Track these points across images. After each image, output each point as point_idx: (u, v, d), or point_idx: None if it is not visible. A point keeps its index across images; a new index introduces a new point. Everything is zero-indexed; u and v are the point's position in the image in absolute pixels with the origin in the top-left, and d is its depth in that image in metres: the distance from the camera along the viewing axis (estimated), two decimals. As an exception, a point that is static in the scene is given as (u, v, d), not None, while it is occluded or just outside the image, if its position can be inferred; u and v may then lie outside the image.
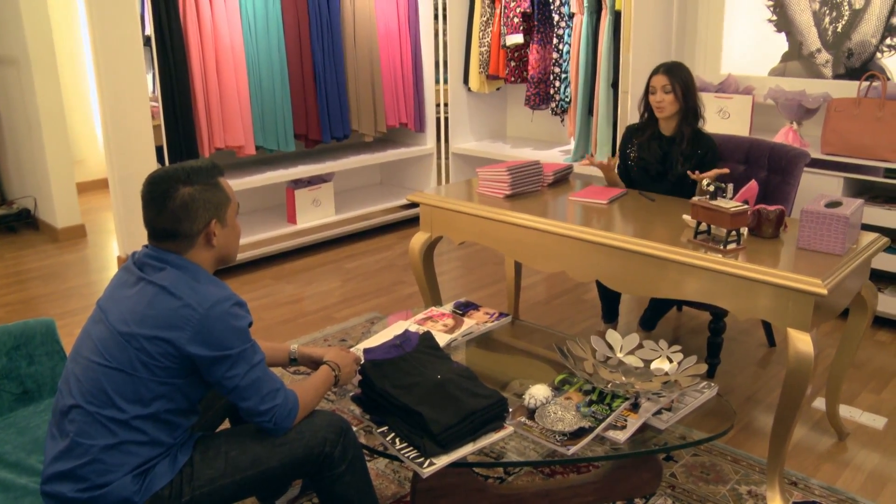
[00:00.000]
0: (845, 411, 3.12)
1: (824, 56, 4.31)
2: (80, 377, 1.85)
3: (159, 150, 4.48)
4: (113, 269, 5.06)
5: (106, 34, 4.44)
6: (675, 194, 3.32)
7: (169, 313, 1.81)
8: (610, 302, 3.83)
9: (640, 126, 3.50)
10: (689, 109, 3.32)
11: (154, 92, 4.46)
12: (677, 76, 3.28)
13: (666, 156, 3.39)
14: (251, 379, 1.87)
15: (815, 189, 3.83)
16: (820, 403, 3.15)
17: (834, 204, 2.56)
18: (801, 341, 2.34)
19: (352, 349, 2.60)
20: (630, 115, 4.52)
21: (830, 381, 2.93)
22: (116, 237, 5.07)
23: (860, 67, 4.18)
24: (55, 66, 5.52)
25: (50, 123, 5.55)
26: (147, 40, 4.36)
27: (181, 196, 1.86)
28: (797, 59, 4.43)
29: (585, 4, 4.80)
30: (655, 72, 3.34)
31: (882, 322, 3.92)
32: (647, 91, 3.36)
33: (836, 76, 4.29)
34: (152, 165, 4.36)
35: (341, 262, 5.10)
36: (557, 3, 5.00)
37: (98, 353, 1.84)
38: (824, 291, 2.26)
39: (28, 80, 5.48)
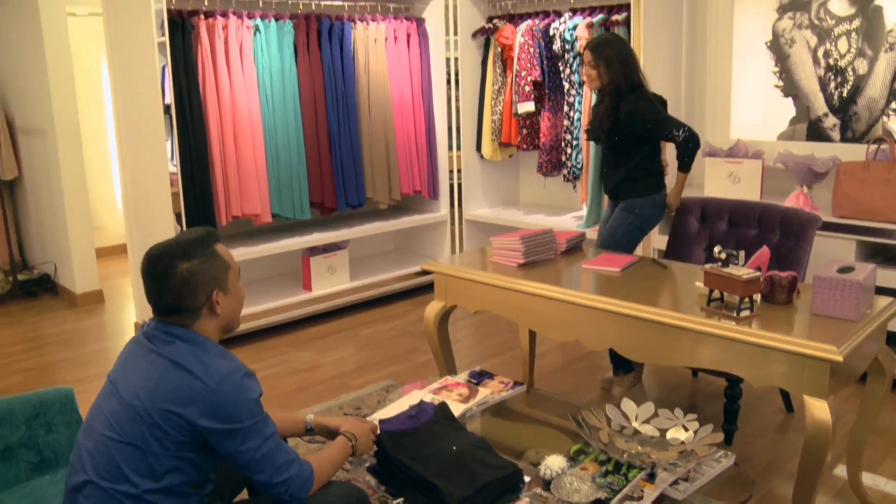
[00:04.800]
0: (869, 479, 3.08)
1: (832, 120, 4.36)
2: (93, 452, 1.86)
3: (178, 216, 4.55)
4: (130, 335, 5.08)
5: (128, 103, 4.57)
6: (609, 153, 3.80)
7: (179, 388, 1.82)
8: (620, 358, 3.86)
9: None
10: (614, 83, 3.66)
11: (173, 159, 4.54)
12: (600, 54, 3.66)
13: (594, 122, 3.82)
14: (264, 452, 1.87)
15: (828, 252, 3.84)
16: (842, 471, 3.11)
17: (846, 269, 2.57)
18: (819, 408, 2.32)
19: (368, 418, 2.60)
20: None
21: (851, 448, 2.90)
22: (134, 303, 5.13)
23: (867, 131, 4.23)
24: (79, 135, 5.68)
25: (72, 191, 5.67)
26: (167, 109, 4.46)
27: (181, 273, 1.88)
28: (805, 123, 4.49)
29: (595, 73, 4.89)
30: (586, 46, 3.75)
31: (901, 386, 3.89)
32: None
33: (844, 140, 4.34)
34: (170, 232, 4.42)
35: (356, 329, 5.11)
36: (567, 71, 5.10)
37: (110, 428, 1.85)
38: (840, 358, 2.25)
39: (53, 150, 5.62)
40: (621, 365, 3.93)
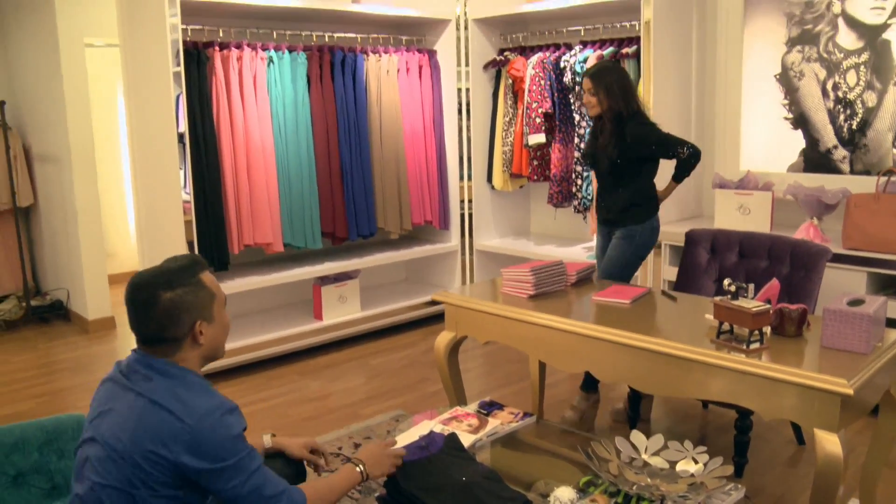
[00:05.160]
0: (880, 513, 3.06)
1: (841, 152, 4.38)
2: (84, 498, 1.84)
3: (190, 244, 4.57)
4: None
5: (143, 132, 4.64)
6: (610, 179, 3.82)
7: (159, 428, 1.78)
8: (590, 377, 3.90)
9: (592, 121, 4.03)
10: (613, 110, 3.73)
11: (186, 188, 4.58)
12: (600, 81, 3.73)
13: (596, 147, 3.87)
14: (251, 487, 1.84)
15: (839, 284, 3.84)
16: (854, 504, 3.09)
17: (857, 302, 2.57)
18: (829, 442, 2.31)
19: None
20: (651, 212, 4.58)
21: (864, 483, 2.88)
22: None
23: (877, 163, 4.24)
24: (94, 163, 5.75)
25: (86, 218, 5.73)
26: (180, 137, 4.49)
27: (164, 303, 1.85)
28: (815, 155, 4.50)
29: (605, 105, 4.93)
30: (585, 73, 3.84)
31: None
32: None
33: (854, 172, 4.35)
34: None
35: (366, 358, 5.12)
36: (578, 103, 5.14)
37: (96, 473, 1.82)
38: (850, 391, 2.25)
39: (68, 177, 5.69)
40: (589, 385, 3.92)
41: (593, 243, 5.14)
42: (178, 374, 1.87)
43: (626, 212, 3.83)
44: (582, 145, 5.15)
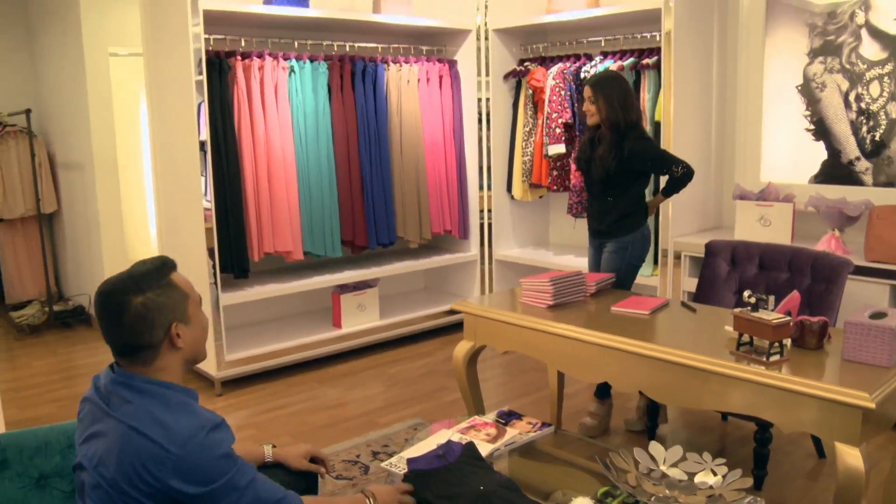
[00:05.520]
0: (902, 529, 3.02)
1: (864, 164, 4.35)
2: None
3: (210, 251, 4.58)
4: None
5: (165, 140, 4.69)
6: (602, 188, 3.84)
7: (143, 457, 1.70)
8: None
9: (588, 127, 3.98)
10: (612, 119, 3.73)
11: (207, 195, 4.61)
12: (600, 90, 3.75)
13: (591, 157, 3.87)
14: (247, 501, 1.79)
15: (861, 296, 3.81)
16: (875, 520, 3.06)
17: (879, 315, 2.55)
18: (851, 456, 2.30)
19: (395, 456, 2.61)
20: (672, 222, 4.57)
21: (887, 499, 2.85)
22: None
23: (901, 176, 4.21)
24: (116, 170, 5.82)
25: (108, 224, 5.80)
26: (202, 145, 4.52)
27: (134, 308, 1.75)
28: (837, 166, 4.47)
29: (625, 115, 4.92)
30: (586, 82, 3.90)
31: (936, 434, 3.83)
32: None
33: (877, 184, 4.32)
34: (203, 266, 4.48)
35: (385, 366, 5.13)
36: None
37: (91, 500, 1.78)
38: (872, 405, 2.23)
39: (91, 184, 5.76)
40: (603, 392, 3.99)
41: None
42: (159, 394, 1.79)
43: (618, 222, 3.87)
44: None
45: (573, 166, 5.35)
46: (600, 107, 3.76)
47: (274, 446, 2.33)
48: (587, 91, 3.81)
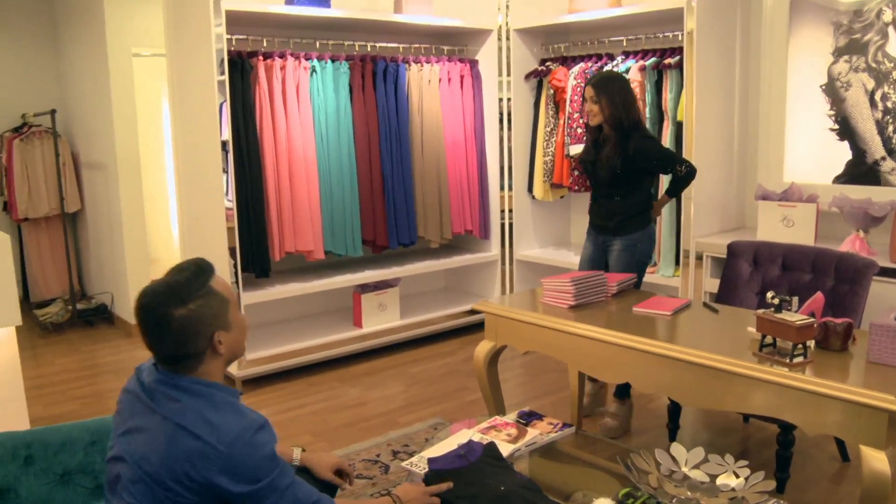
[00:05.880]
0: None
1: (889, 164, 4.30)
2: None
3: (232, 251, 4.59)
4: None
5: (187, 139, 4.72)
6: (609, 188, 3.88)
7: (190, 454, 1.73)
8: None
9: (589, 127, 4.02)
10: (615, 119, 3.77)
11: (228, 195, 4.63)
12: (602, 90, 3.78)
13: (597, 157, 3.89)
14: (288, 503, 1.82)
15: (886, 298, 3.77)
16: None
17: (904, 317, 2.53)
18: (876, 459, 2.27)
19: (415, 456, 2.62)
20: (694, 222, 4.55)
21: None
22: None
23: (927, 176, 4.17)
24: (139, 170, 5.85)
25: (130, 224, 5.84)
26: (223, 145, 4.54)
27: (177, 321, 1.77)
28: (862, 166, 4.43)
29: (647, 115, 4.90)
30: (588, 83, 3.87)
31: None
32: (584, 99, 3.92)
33: (903, 185, 4.27)
34: (225, 266, 4.50)
35: (405, 366, 5.14)
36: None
37: (129, 493, 1.79)
38: (897, 408, 2.21)
39: (114, 184, 5.80)
40: (623, 391, 4.02)
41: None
42: (206, 393, 1.81)
43: (629, 220, 3.92)
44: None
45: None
46: (603, 107, 3.80)
47: (303, 450, 2.34)
48: (589, 91, 3.84)
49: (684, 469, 2.48)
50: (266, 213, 4.74)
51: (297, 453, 2.31)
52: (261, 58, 4.70)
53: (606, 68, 5.16)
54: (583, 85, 5.22)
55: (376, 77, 5.16)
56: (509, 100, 5.72)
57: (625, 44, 5.27)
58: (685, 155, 4.49)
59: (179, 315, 1.77)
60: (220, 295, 1.85)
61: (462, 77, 5.62)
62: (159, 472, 1.73)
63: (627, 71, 4.99)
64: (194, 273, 1.84)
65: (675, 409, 3.74)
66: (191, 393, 1.80)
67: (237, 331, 1.90)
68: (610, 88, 3.79)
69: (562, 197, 5.88)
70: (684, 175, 3.87)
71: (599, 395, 4.26)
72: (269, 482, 1.78)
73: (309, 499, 1.86)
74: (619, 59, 5.17)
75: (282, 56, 4.76)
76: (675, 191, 3.99)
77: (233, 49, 4.62)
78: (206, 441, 1.73)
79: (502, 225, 5.92)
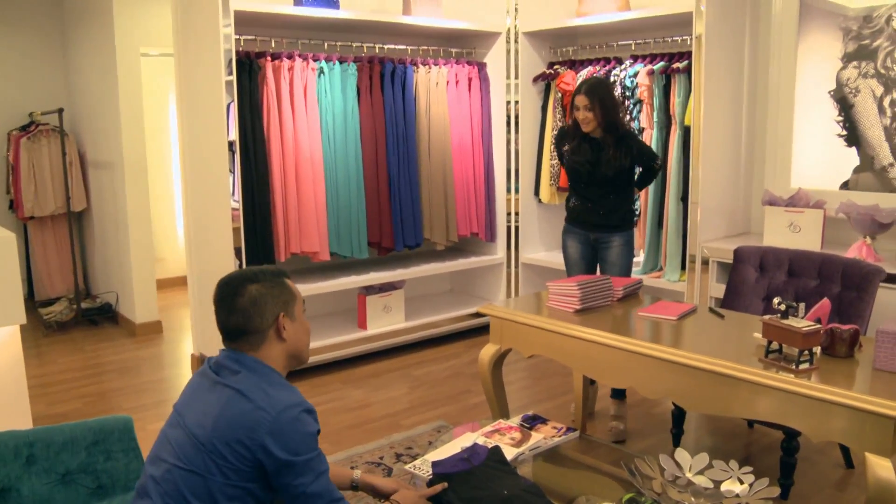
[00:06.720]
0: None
1: (898, 171, 4.29)
2: (159, 479, 1.92)
3: (237, 251, 4.60)
4: (186, 366, 5.19)
5: (194, 139, 4.72)
6: (607, 187, 3.99)
7: (242, 416, 1.88)
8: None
9: (568, 131, 4.10)
10: (609, 122, 3.88)
11: (234, 195, 4.64)
12: (596, 95, 3.85)
13: (597, 159, 3.95)
14: (315, 490, 1.91)
15: (893, 305, 3.76)
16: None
17: (911, 324, 2.51)
18: (881, 467, 2.26)
19: (419, 459, 2.61)
20: (700, 227, 4.53)
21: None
22: (192, 334, 5.23)
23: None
24: (145, 170, 5.86)
25: (136, 223, 5.84)
26: (230, 145, 4.55)
27: (249, 293, 1.98)
28: (869, 172, 4.41)
29: (655, 120, 4.90)
30: (577, 91, 3.92)
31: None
32: (573, 107, 3.94)
33: (911, 192, 4.26)
34: (230, 266, 4.50)
35: (409, 368, 5.13)
36: (627, 118, 5.10)
37: (175, 456, 1.91)
38: (903, 415, 2.20)
39: (120, 183, 5.81)
40: (618, 392, 4.06)
41: (640, 259, 5.12)
42: (265, 372, 1.97)
43: (625, 216, 4.10)
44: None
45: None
46: (597, 113, 3.88)
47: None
48: (582, 100, 3.89)
49: (688, 474, 2.47)
50: (272, 214, 4.74)
51: (358, 473, 2.38)
52: (268, 58, 4.70)
53: (615, 72, 5.16)
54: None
55: (384, 79, 5.16)
56: (517, 103, 5.72)
57: (633, 48, 5.26)
58: (693, 160, 4.51)
59: (252, 288, 1.99)
60: (291, 289, 2.07)
61: (470, 79, 5.62)
62: (211, 435, 1.88)
63: (636, 75, 4.99)
64: (273, 269, 2.09)
65: (679, 415, 3.73)
66: (252, 369, 1.97)
67: (301, 328, 2.08)
68: (601, 93, 3.88)
69: (568, 200, 5.87)
70: (658, 168, 4.11)
71: (590, 398, 4.26)
72: (308, 460, 1.90)
73: (332, 495, 1.95)
74: (628, 62, 5.17)
75: (290, 57, 4.76)
76: (644, 184, 4.19)
77: (241, 49, 4.62)
78: (259, 405, 1.88)
79: (508, 228, 5.91)
